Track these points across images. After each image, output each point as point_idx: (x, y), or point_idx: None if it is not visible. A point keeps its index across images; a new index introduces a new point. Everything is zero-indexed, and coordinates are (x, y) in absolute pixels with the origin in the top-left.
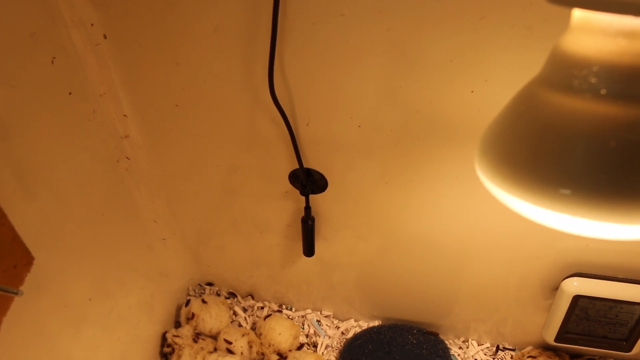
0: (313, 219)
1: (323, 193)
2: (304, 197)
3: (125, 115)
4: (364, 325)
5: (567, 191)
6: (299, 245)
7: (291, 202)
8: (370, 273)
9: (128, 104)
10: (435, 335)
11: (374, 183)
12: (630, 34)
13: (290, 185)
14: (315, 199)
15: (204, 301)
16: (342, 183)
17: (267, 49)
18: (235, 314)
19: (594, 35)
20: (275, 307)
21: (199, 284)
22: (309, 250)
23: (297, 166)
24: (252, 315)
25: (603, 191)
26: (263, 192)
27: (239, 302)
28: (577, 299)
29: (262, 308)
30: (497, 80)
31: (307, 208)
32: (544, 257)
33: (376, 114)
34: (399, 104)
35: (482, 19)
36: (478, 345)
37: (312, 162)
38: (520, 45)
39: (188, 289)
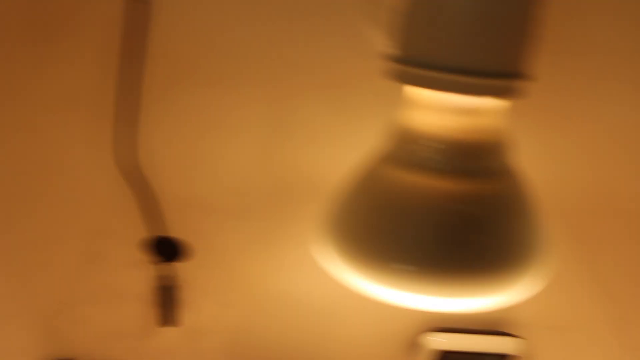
0: (174, 287)
1: (186, 258)
2: (165, 264)
3: None
4: None
5: (407, 267)
6: (162, 314)
7: (152, 269)
8: (243, 340)
9: None
10: None
11: (240, 246)
12: (468, 111)
13: (151, 252)
14: (178, 264)
15: None
16: (207, 247)
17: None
18: None
19: (432, 111)
20: None
21: None
22: (169, 320)
23: (158, 233)
24: None
25: (440, 267)
26: (123, 259)
27: None
28: (441, 354)
29: None
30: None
31: (166, 276)
32: (399, 317)
33: (246, 175)
34: (272, 166)
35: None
36: None
37: (175, 226)
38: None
39: None
